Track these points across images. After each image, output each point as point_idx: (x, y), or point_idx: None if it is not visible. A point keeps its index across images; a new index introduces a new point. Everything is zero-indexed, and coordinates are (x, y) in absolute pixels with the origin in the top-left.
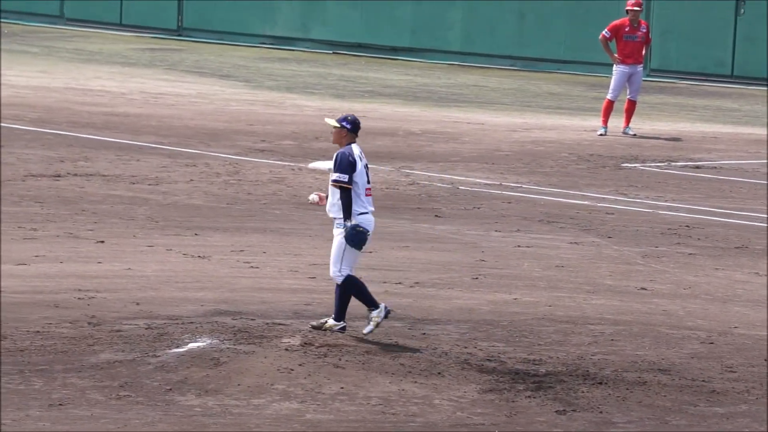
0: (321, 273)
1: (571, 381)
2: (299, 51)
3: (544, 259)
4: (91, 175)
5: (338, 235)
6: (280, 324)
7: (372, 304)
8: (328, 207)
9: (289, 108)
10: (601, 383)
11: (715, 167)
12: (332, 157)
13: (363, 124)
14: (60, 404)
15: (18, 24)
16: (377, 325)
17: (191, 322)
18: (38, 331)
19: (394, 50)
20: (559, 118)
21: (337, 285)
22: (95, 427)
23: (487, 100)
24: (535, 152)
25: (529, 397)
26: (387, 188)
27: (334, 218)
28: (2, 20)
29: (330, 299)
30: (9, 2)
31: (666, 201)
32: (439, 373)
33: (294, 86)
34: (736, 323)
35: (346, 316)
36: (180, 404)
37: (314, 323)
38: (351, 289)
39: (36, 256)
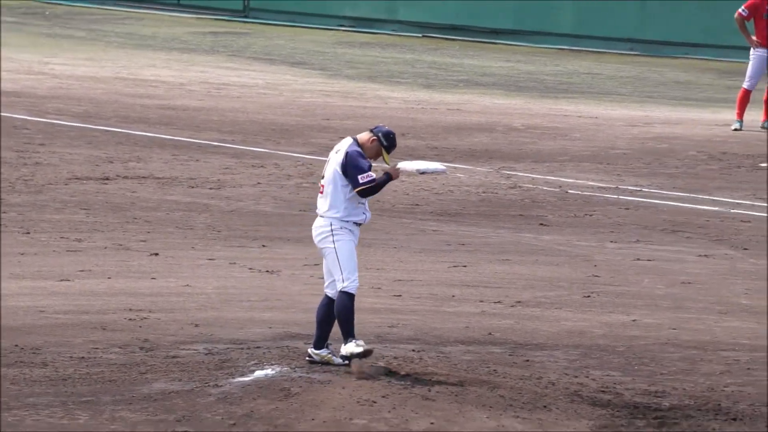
0: (408, 290)
1: (699, 416)
2: (383, 34)
3: (668, 275)
4: (143, 177)
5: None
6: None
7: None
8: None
9: (372, 100)
10: (735, 419)
11: None
12: (418, 157)
13: (457, 118)
14: None
15: (62, 4)
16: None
17: (258, 347)
18: (83, 357)
19: (495, 33)
20: (686, 111)
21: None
22: None
23: (602, 90)
24: (657, 150)
25: None
26: (484, 192)
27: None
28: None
29: (418, 320)
30: None
31: None
32: (545, 406)
33: (377, 75)
34: None
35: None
36: None
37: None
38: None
39: (81, 271)
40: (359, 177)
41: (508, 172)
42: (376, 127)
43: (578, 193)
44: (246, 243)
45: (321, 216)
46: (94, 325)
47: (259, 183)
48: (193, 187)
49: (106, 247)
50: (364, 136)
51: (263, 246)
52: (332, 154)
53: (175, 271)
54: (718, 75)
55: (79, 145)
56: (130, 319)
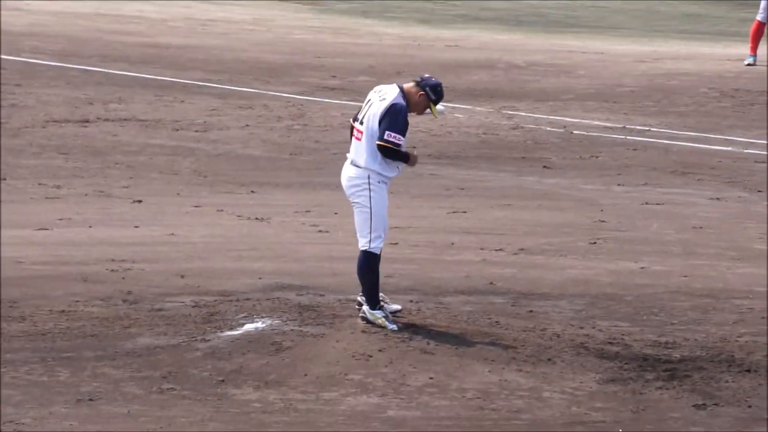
0: (405, 238)
1: (712, 368)
2: None
3: (679, 219)
4: (125, 119)
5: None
6: (354, 300)
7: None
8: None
9: (365, 36)
10: (749, 371)
11: None
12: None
13: (455, 55)
14: (90, 399)
15: None
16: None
17: (247, 299)
18: (64, 311)
19: None
20: (697, 46)
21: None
22: (132, 427)
23: (609, 24)
24: (666, 87)
25: (660, 388)
26: (485, 133)
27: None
28: None
29: (416, 269)
30: None
31: None
32: (549, 359)
33: (370, 9)
34: None
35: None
36: (234, 399)
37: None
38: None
39: (60, 220)
40: (387, 132)
41: (509, 112)
42: (422, 80)
43: (583, 134)
44: (234, 189)
45: (356, 166)
46: (75, 276)
47: (247, 125)
48: (177, 130)
49: (86, 194)
50: (411, 89)
51: (252, 192)
52: (373, 96)
53: (159, 219)
54: (731, 7)
55: (57, 86)
56: (112, 270)
